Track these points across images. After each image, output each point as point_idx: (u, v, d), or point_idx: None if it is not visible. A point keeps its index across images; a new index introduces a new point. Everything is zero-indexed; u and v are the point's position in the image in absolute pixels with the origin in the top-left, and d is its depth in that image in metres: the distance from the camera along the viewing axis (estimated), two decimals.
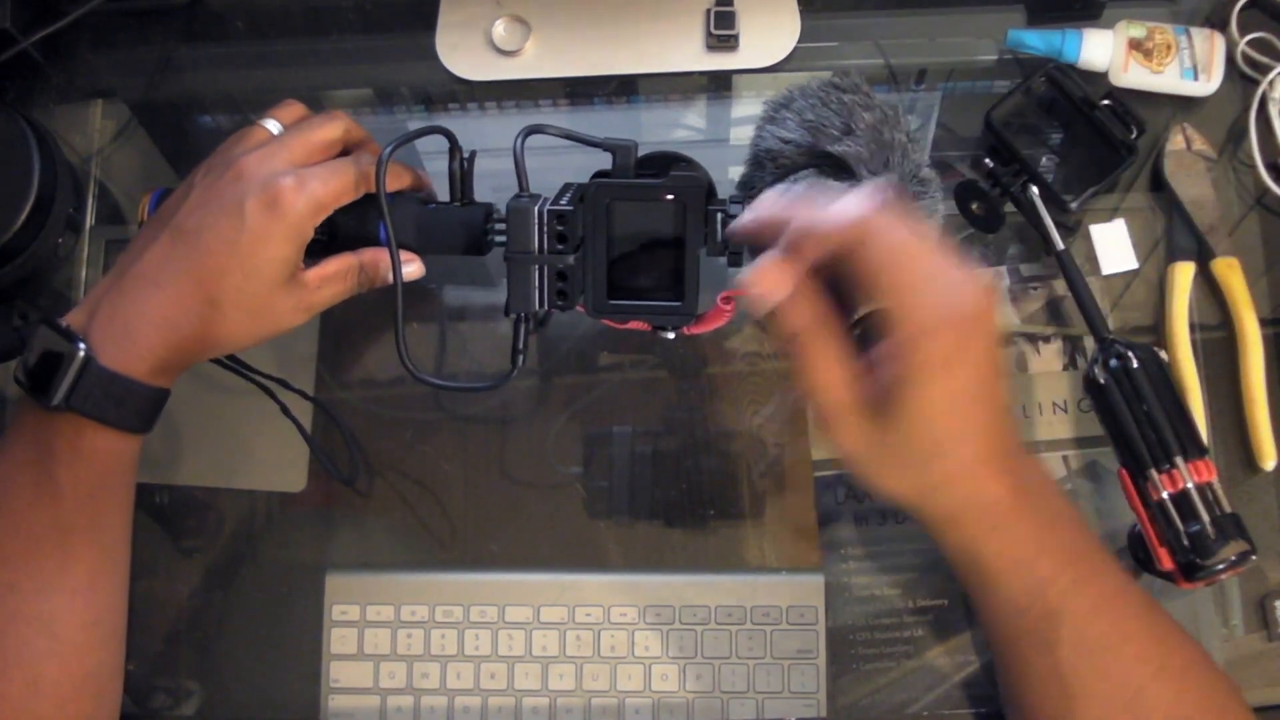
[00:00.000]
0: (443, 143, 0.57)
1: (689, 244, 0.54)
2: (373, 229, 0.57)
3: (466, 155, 0.57)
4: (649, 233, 0.55)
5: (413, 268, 0.57)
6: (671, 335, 0.58)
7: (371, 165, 0.54)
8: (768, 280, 0.43)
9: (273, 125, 0.56)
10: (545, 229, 0.52)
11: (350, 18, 0.73)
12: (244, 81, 0.73)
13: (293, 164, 0.53)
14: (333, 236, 0.56)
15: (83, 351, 0.50)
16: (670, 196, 0.53)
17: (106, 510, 0.53)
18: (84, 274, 0.69)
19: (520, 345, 0.55)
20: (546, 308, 0.54)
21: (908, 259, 0.41)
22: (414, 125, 0.71)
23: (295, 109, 0.58)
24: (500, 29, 0.70)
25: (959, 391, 0.42)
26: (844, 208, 0.42)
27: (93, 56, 0.73)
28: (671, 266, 0.55)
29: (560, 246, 0.52)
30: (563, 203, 0.53)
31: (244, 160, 0.52)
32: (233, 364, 0.61)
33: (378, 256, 0.56)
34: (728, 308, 0.56)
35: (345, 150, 0.57)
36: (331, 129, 0.55)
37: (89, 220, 0.70)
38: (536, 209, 0.52)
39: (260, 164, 0.52)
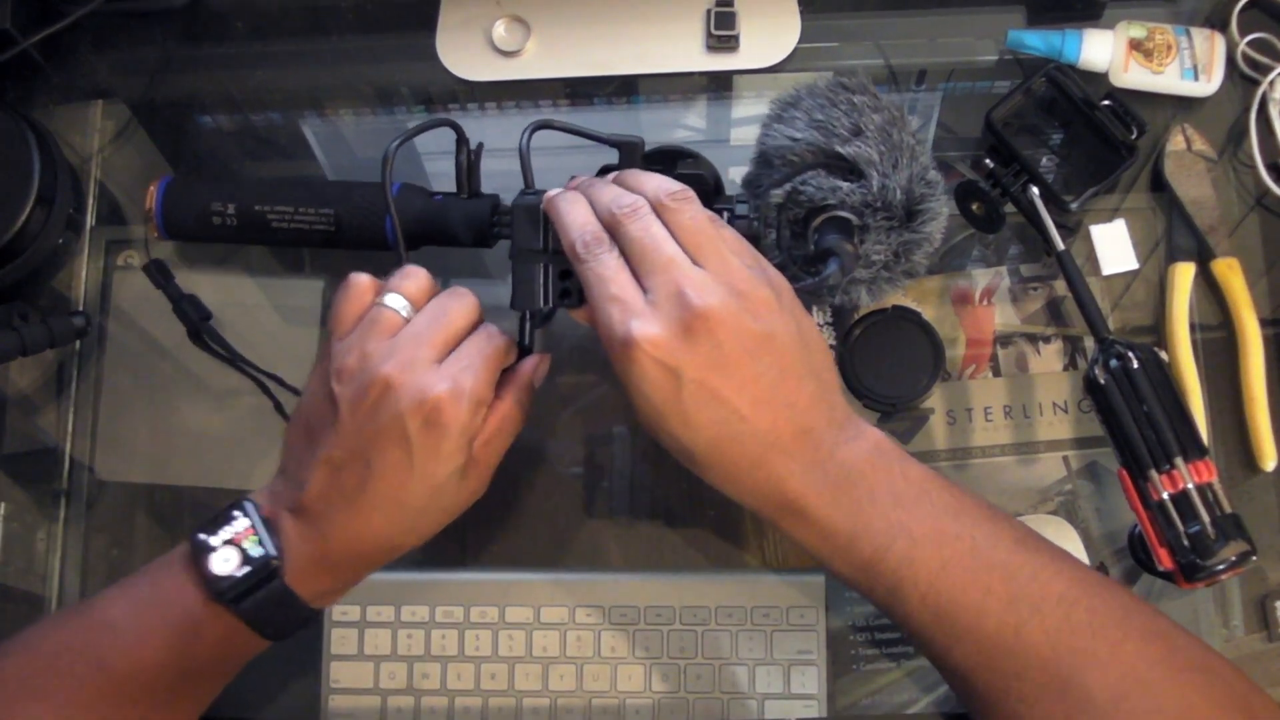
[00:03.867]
0: (445, 142, 0.57)
1: None
2: (379, 219, 0.56)
3: (474, 147, 0.57)
4: None
5: (544, 367, 0.55)
6: None
7: (496, 336, 0.52)
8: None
9: (399, 304, 0.50)
10: (550, 227, 0.52)
11: (350, 18, 0.73)
12: (244, 81, 0.73)
13: (436, 363, 0.49)
14: (339, 227, 0.56)
15: (275, 564, 0.48)
16: None
17: (219, 687, 0.53)
18: (84, 274, 0.69)
19: (526, 342, 0.54)
20: (551, 305, 0.53)
21: (596, 291, 0.48)
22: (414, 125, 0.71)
23: (421, 281, 0.52)
24: (500, 29, 0.70)
25: (660, 407, 0.46)
26: (573, 228, 0.50)
27: (93, 57, 0.73)
28: None
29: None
30: None
31: (388, 372, 0.47)
32: (229, 358, 0.60)
33: (520, 380, 0.53)
34: None
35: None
36: (467, 311, 0.51)
37: (89, 220, 0.70)
38: (542, 206, 0.52)
39: (408, 374, 0.48)
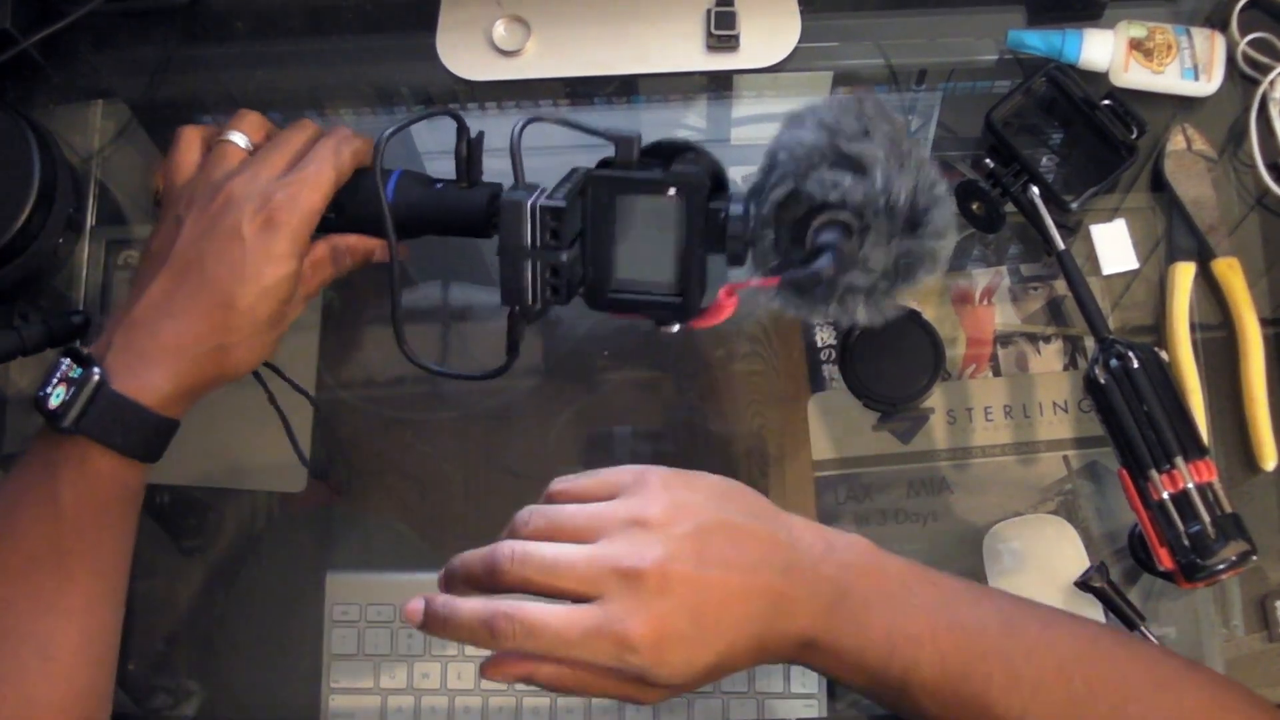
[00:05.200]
0: (444, 140, 0.56)
1: (690, 240, 0.53)
2: (376, 206, 0.56)
3: (474, 135, 0.56)
4: (650, 226, 0.54)
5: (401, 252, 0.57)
6: (675, 329, 0.57)
7: (348, 141, 0.55)
8: (501, 676, 0.46)
9: (239, 139, 0.57)
10: (538, 224, 0.52)
11: (350, 18, 0.73)
12: (244, 81, 0.73)
13: (276, 177, 0.54)
14: (340, 213, 0.57)
15: (97, 376, 0.50)
16: (672, 191, 0.53)
17: (107, 536, 0.53)
18: (84, 274, 0.69)
19: (515, 337, 0.54)
20: (540, 304, 0.53)
21: (564, 644, 0.43)
22: (414, 126, 0.71)
23: (254, 118, 0.58)
24: (500, 29, 0.70)
25: (664, 660, 0.43)
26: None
27: (93, 56, 0.73)
28: (673, 261, 0.54)
29: (553, 242, 0.52)
30: (559, 195, 0.52)
31: (230, 183, 0.53)
32: None
33: (349, 243, 0.58)
34: (730, 300, 0.55)
35: None
36: (305, 134, 0.57)
37: (89, 220, 0.70)
38: (529, 203, 0.51)
39: (248, 184, 0.53)
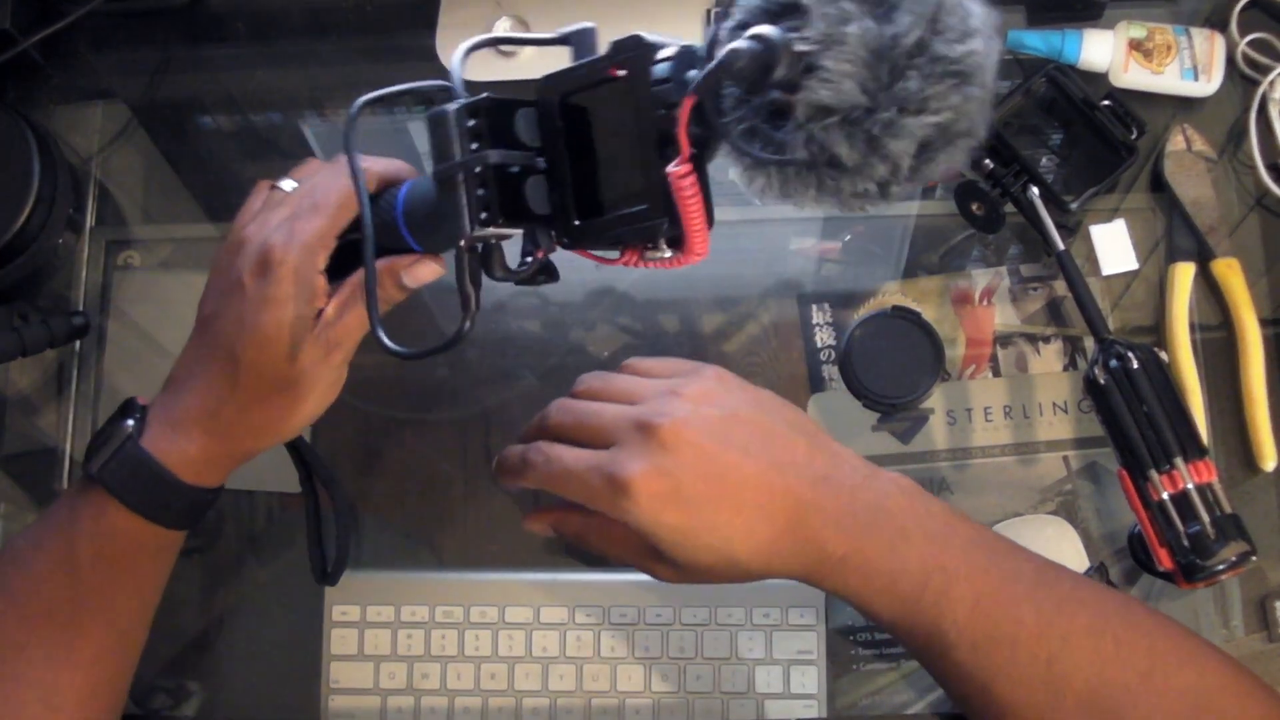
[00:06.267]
0: None
1: (642, 124, 0.42)
2: (390, 216, 0.49)
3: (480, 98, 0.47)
4: (607, 128, 0.44)
5: (432, 269, 0.50)
6: (668, 255, 0.44)
7: (363, 161, 0.49)
8: (535, 526, 0.54)
9: (286, 185, 0.52)
10: (461, 130, 0.43)
11: (350, 18, 0.73)
12: (244, 82, 0.73)
13: (284, 219, 0.49)
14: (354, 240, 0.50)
15: (129, 427, 0.49)
16: (622, 71, 0.43)
17: (122, 591, 0.51)
18: (84, 274, 0.69)
19: (464, 286, 0.46)
20: (474, 227, 0.44)
21: (564, 477, 0.48)
22: (414, 126, 0.71)
23: (311, 164, 0.53)
24: (500, 29, 0.70)
25: (685, 523, 0.46)
26: (512, 464, 0.52)
27: (93, 57, 0.73)
28: (638, 162, 0.43)
29: (475, 145, 0.44)
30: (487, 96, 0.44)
31: (244, 232, 0.50)
32: None
33: (384, 267, 0.49)
34: (686, 180, 0.41)
35: None
36: (334, 176, 0.50)
37: (89, 220, 0.70)
38: (452, 110, 0.44)
39: (257, 231, 0.49)
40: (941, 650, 0.46)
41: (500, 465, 0.53)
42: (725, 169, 0.42)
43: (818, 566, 0.46)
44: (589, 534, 0.51)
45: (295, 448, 0.58)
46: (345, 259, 0.50)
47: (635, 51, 0.43)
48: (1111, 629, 0.45)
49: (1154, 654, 0.45)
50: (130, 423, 0.49)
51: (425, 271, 0.50)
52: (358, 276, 0.49)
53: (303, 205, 0.49)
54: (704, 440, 0.46)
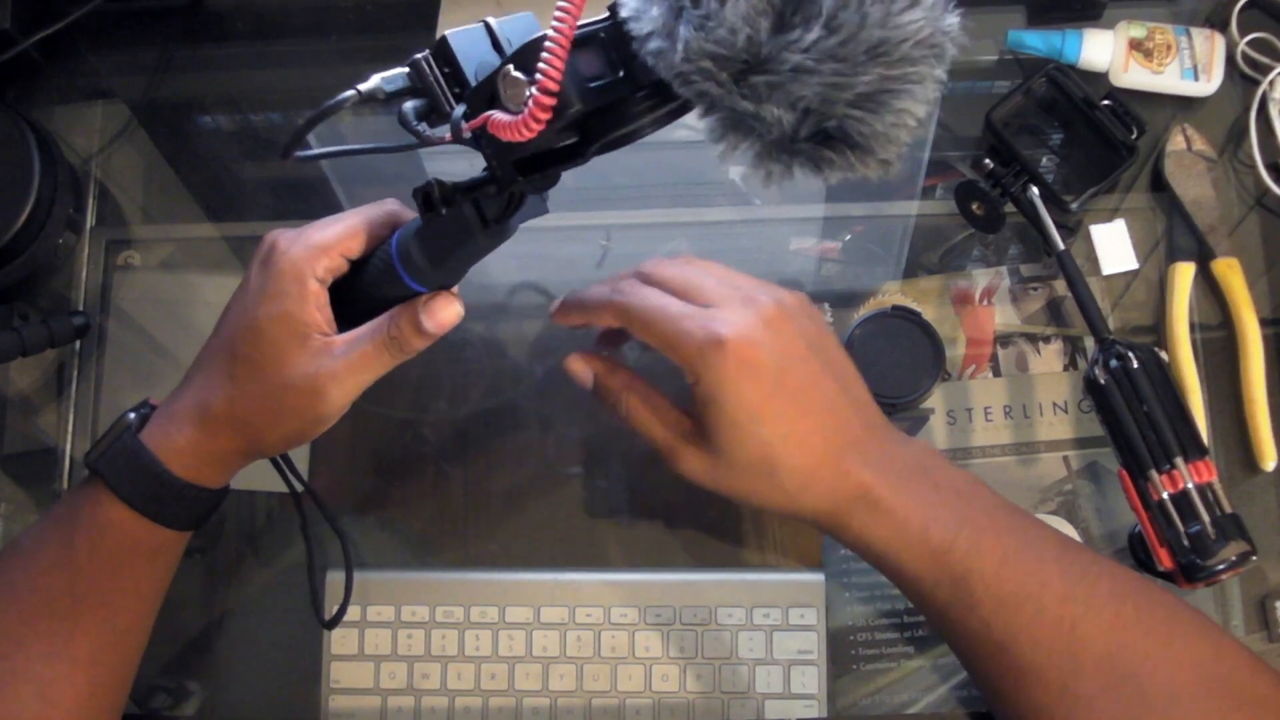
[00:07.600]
0: (459, 166, 0.51)
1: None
2: (388, 258, 0.48)
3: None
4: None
5: (452, 310, 0.48)
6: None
7: (394, 211, 0.50)
8: (576, 365, 0.52)
9: None
10: (439, 74, 0.42)
11: (350, 18, 0.73)
12: (244, 82, 0.73)
13: (304, 227, 0.50)
14: (358, 271, 0.50)
15: (130, 420, 0.50)
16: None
17: (120, 589, 0.50)
18: (84, 274, 0.69)
19: (496, 166, 0.42)
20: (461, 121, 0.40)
21: (657, 314, 0.47)
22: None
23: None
24: None
25: (757, 403, 0.46)
26: (594, 294, 0.51)
27: (93, 57, 0.73)
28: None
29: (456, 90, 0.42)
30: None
31: (268, 233, 0.51)
32: None
33: (396, 314, 0.48)
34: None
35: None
36: (375, 205, 0.51)
37: (89, 220, 0.70)
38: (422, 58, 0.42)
39: (277, 233, 0.50)
40: (967, 607, 0.46)
41: (567, 301, 0.52)
42: (725, 170, 0.42)
43: (850, 506, 0.47)
44: (629, 394, 0.50)
45: (296, 500, 0.58)
46: (354, 296, 0.50)
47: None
48: (1133, 597, 0.46)
49: (1173, 623, 0.46)
50: (133, 415, 0.50)
51: (442, 308, 0.48)
52: (375, 322, 0.49)
53: (322, 220, 0.51)
54: (799, 339, 0.47)
